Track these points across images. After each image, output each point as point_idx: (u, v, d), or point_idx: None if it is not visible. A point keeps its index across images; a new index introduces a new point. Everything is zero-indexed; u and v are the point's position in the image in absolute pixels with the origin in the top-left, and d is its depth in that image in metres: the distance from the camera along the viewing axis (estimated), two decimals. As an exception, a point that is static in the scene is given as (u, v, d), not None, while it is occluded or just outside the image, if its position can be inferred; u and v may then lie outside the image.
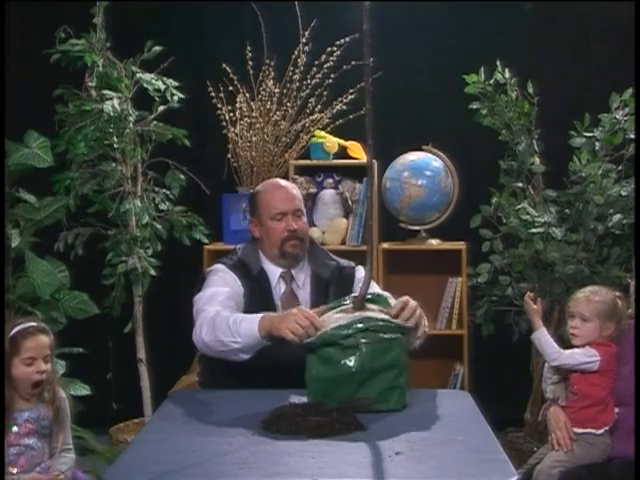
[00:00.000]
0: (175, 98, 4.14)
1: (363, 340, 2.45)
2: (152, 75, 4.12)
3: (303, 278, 3.00)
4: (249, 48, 4.39)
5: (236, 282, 2.90)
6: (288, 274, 2.98)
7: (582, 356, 2.82)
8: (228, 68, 4.38)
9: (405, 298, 2.61)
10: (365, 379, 2.43)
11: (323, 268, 3.00)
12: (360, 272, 2.98)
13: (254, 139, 4.41)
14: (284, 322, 2.54)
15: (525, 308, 2.99)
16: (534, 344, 2.97)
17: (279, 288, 2.97)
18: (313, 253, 3.05)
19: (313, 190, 4.38)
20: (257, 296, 2.89)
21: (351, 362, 2.43)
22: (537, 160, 4.11)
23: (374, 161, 4.34)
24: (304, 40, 4.37)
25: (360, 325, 2.47)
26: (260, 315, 2.65)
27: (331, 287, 2.96)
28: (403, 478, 1.98)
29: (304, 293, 2.98)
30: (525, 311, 3.04)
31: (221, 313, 2.72)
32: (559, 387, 2.89)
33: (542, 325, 2.90)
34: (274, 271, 2.98)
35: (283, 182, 3.11)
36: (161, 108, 4.16)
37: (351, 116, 4.39)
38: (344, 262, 3.06)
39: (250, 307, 2.84)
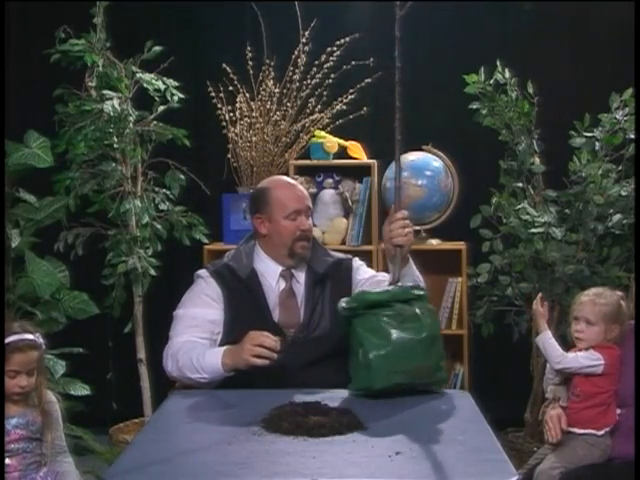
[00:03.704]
0: (175, 98, 4.14)
1: (418, 310, 2.54)
2: (152, 75, 4.12)
3: (300, 274, 3.00)
4: (249, 48, 4.40)
5: (215, 291, 2.91)
6: (288, 272, 2.98)
7: (586, 359, 2.82)
8: (228, 68, 4.39)
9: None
10: (426, 348, 2.51)
11: (319, 263, 2.98)
12: (356, 262, 3.04)
13: (254, 139, 4.41)
14: (245, 352, 2.61)
15: (533, 310, 2.98)
16: (538, 347, 2.96)
17: (279, 286, 2.95)
18: (312, 249, 3.03)
19: (313, 190, 4.37)
20: (246, 299, 2.89)
21: (418, 330, 2.50)
22: (537, 160, 4.11)
23: (374, 161, 4.37)
24: (304, 40, 4.37)
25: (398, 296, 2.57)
26: (221, 350, 2.72)
27: (328, 281, 2.95)
28: (403, 478, 1.98)
29: (299, 287, 2.97)
30: (532, 313, 3.03)
31: (184, 348, 2.78)
32: (561, 388, 2.89)
33: (547, 328, 2.89)
34: (273, 269, 2.96)
35: (292, 180, 3.11)
36: (161, 108, 4.16)
37: (351, 116, 4.39)
38: (342, 256, 3.07)
39: (238, 310, 2.86)
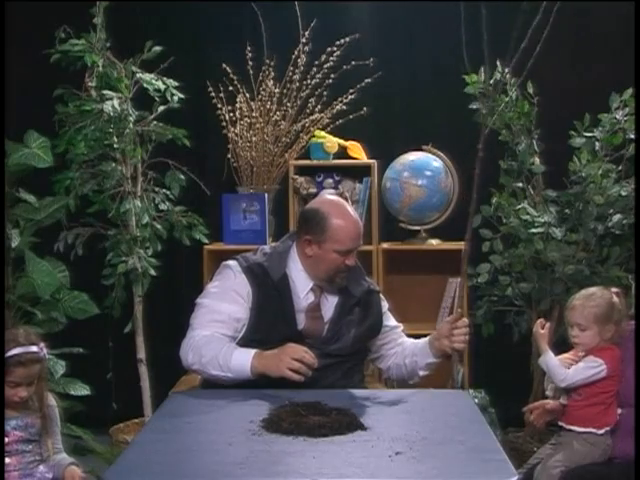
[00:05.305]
0: (175, 98, 4.13)
1: None
2: (152, 75, 4.12)
3: (332, 290, 2.97)
4: (249, 48, 4.39)
5: (244, 288, 2.88)
6: (319, 287, 2.95)
7: (588, 369, 2.81)
8: (228, 68, 4.38)
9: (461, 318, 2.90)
10: None
11: (356, 286, 2.97)
12: (384, 301, 3.08)
13: (254, 139, 4.40)
14: (282, 363, 2.59)
15: (533, 332, 2.97)
16: (541, 367, 2.95)
17: (307, 298, 2.93)
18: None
19: (313, 190, 4.36)
20: (274, 302, 2.86)
21: None
22: (537, 160, 4.11)
23: (374, 161, 4.37)
24: (304, 40, 4.37)
25: None
26: (251, 352, 2.70)
27: (358, 308, 2.95)
28: (403, 478, 1.98)
29: (329, 305, 2.95)
30: (533, 335, 3.01)
31: (209, 344, 2.76)
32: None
33: (548, 349, 2.87)
34: (305, 282, 2.93)
35: (353, 212, 2.95)
36: (161, 108, 4.15)
37: (351, 116, 4.39)
38: (372, 285, 3.06)
39: (265, 311, 2.84)
